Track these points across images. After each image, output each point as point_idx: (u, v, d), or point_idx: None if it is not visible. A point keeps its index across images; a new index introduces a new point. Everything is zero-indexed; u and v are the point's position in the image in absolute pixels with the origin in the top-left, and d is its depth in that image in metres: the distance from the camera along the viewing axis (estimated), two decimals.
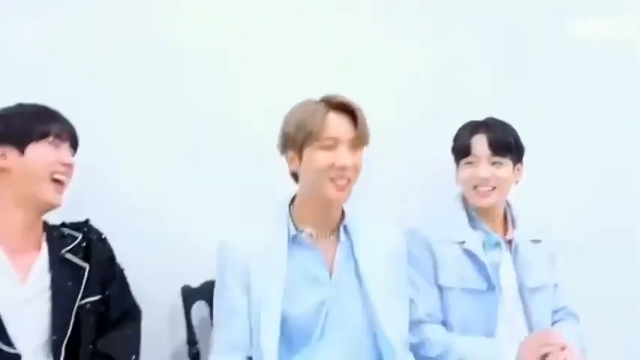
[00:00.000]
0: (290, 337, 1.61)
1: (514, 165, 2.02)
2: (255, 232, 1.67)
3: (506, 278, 1.99)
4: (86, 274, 1.70)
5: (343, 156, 1.60)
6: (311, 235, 1.66)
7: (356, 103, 1.64)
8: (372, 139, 1.68)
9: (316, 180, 1.62)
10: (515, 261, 2.01)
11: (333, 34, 2.26)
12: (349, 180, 1.62)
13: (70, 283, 1.68)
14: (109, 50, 2.04)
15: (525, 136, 2.06)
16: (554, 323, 2.08)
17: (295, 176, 1.72)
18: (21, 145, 1.62)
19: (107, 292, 1.76)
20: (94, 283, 1.73)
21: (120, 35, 2.05)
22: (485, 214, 2.03)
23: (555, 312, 2.09)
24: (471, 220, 2.04)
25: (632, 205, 2.52)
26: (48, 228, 1.73)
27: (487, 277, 1.95)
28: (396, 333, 1.65)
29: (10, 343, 1.56)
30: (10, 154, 1.62)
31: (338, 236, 1.70)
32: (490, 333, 1.94)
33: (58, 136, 1.66)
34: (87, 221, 1.80)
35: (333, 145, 1.61)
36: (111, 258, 1.81)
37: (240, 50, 2.16)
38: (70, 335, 1.65)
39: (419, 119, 2.32)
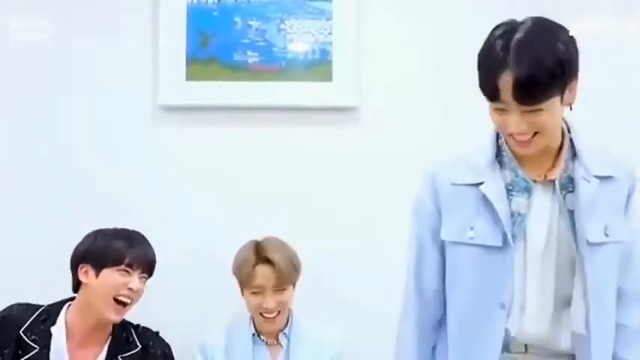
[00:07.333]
0: None
1: (562, 93, 1.41)
2: (227, 329, 2.15)
3: (535, 233, 1.48)
4: None
5: (268, 300, 2.05)
6: (263, 339, 2.13)
7: (280, 254, 2.05)
8: None
9: (253, 313, 2.10)
10: (560, 208, 1.48)
11: None
12: (279, 312, 2.07)
13: None
14: None
15: None
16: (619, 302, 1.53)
17: None
18: (98, 268, 1.88)
19: None
20: None
21: None
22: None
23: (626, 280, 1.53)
24: (503, 155, 1.53)
25: None
26: (118, 328, 1.94)
27: (503, 231, 1.47)
28: None
29: None
30: (90, 272, 1.89)
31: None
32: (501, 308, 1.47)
33: (130, 265, 1.88)
34: (157, 333, 2.02)
35: (260, 292, 2.05)
36: None
37: None
38: None
39: None
